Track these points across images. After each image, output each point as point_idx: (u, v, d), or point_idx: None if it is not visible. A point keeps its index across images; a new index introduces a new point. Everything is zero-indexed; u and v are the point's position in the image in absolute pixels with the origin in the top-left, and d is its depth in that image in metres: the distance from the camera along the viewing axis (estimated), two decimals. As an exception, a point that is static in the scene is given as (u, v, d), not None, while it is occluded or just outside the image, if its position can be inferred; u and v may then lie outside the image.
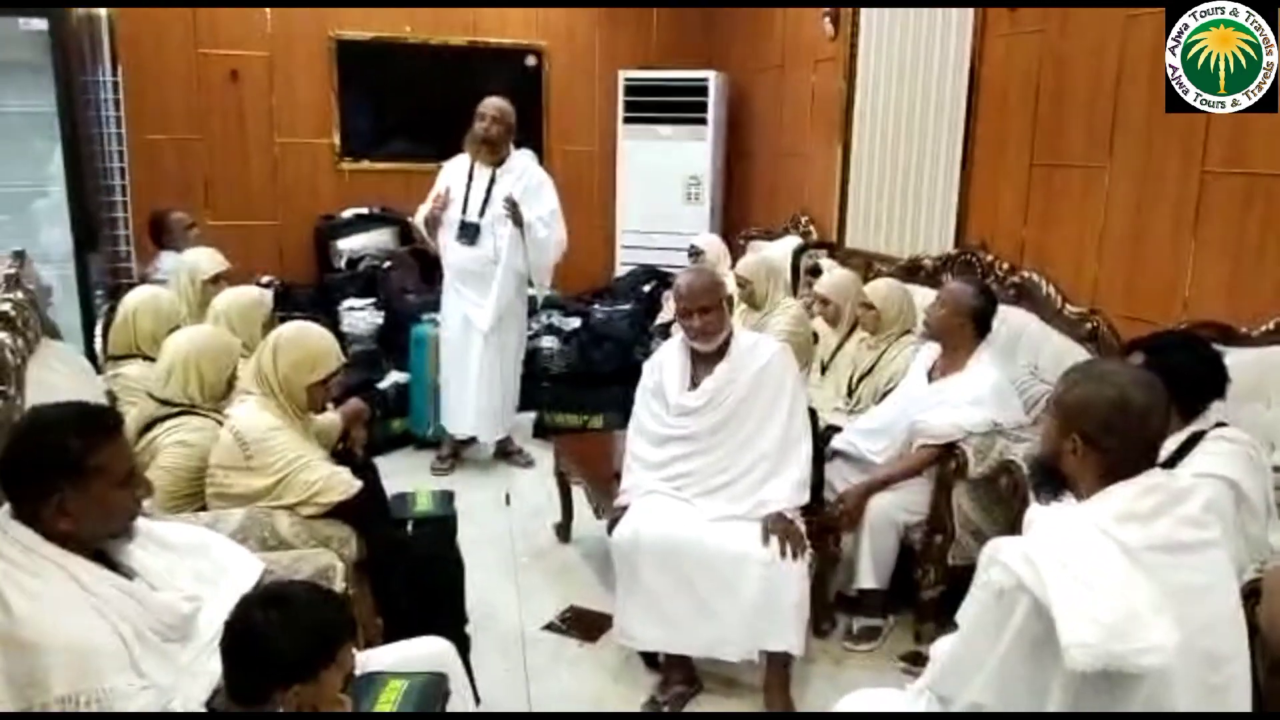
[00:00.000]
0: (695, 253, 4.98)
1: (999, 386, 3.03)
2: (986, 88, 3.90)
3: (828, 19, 5.04)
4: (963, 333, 3.13)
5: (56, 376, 2.66)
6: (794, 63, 5.62)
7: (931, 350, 3.28)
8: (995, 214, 3.88)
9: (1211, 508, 1.64)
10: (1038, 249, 3.66)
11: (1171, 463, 2.17)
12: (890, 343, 3.57)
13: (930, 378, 3.20)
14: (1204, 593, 1.53)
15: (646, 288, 5.86)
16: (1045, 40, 3.57)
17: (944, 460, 2.98)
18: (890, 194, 4.57)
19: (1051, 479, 1.74)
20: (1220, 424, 2.31)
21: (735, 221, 6.30)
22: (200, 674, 1.71)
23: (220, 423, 2.56)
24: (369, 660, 1.93)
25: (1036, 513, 1.75)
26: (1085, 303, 3.38)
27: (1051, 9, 3.52)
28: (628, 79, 6.25)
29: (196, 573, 1.90)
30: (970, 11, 3.91)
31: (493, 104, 4.35)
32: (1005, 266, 3.72)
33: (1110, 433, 1.61)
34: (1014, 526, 2.60)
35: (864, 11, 4.73)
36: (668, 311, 4.95)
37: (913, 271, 4.18)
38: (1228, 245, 2.90)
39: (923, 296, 3.63)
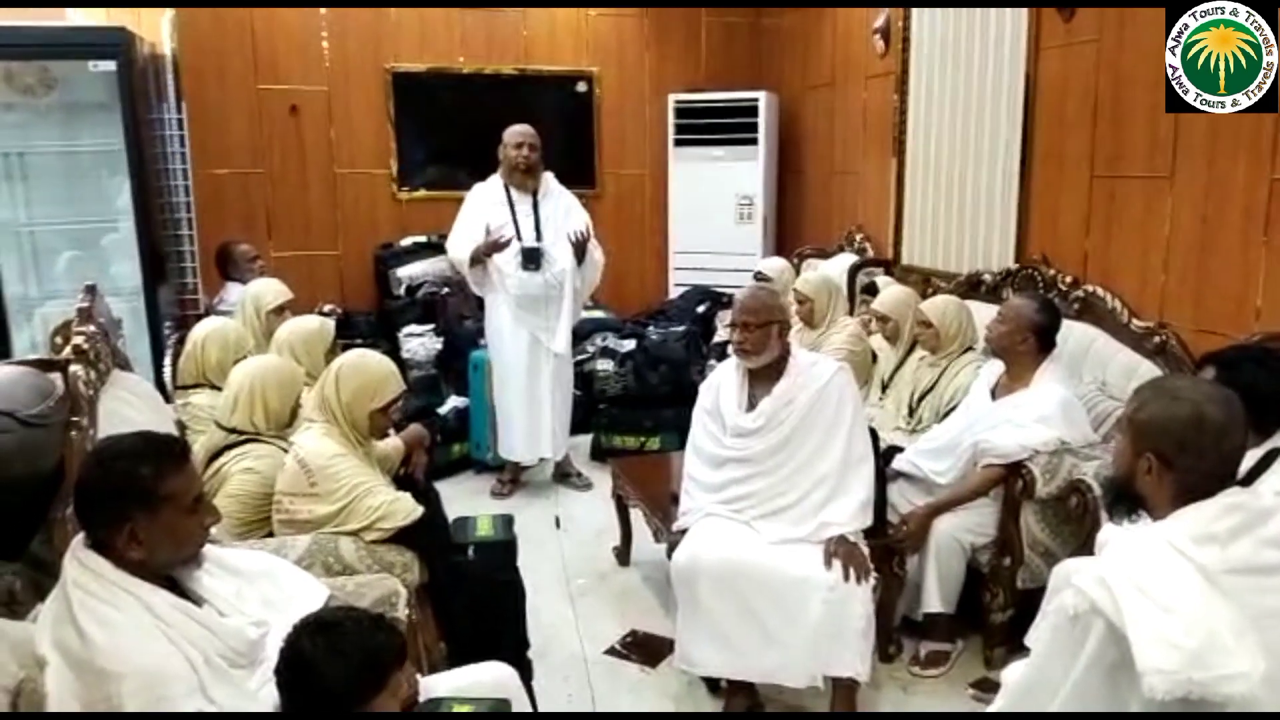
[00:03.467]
0: (761, 279, 4.95)
1: (1066, 403, 2.96)
2: (1043, 100, 3.84)
3: (878, 35, 5.02)
4: (1026, 349, 3.07)
5: (128, 408, 2.73)
6: (845, 80, 5.60)
7: (995, 367, 3.22)
8: (1056, 227, 3.81)
9: (1295, 527, 1.58)
10: (1101, 262, 3.58)
11: (1248, 481, 2.10)
12: (951, 360, 3.52)
13: (994, 395, 3.14)
14: (1290, 618, 1.47)
15: (700, 309, 5.86)
16: (1101, 50, 3.51)
17: (1010, 480, 2.92)
18: (947, 209, 4.52)
19: (1125, 499, 1.69)
20: (1298, 439, 2.23)
21: (789, 240, 6.28)
22: (268, 700, 1.73)
23: (285, 450, 2.61)
24: (433, 685, 1.93)
25: (1111, 533, 1.70)
26: (1152, 316, 3.29)
27: (1107, 19, 3.46)
28: (677, 102, 6.28)
29: (264, 598, 1.93)
30: (1024, 23, 3.86)
31: (523, 130, 4.39)
32: (1068, 280, 3.65)
33: (1185, 452, 1.56)
34: (1085, 547, 2.53)
35: (914, 26, 4.70)
36: (724, 332, 4.94)
37: (972, 287, 4.12)
38: (1301, 253, 2.82)
39: (984, 313, 3.57)
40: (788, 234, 6.38)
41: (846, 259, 5.20)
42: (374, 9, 5.91)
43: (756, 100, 6.06)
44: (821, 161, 6.01)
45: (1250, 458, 2.14)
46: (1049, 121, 3.82)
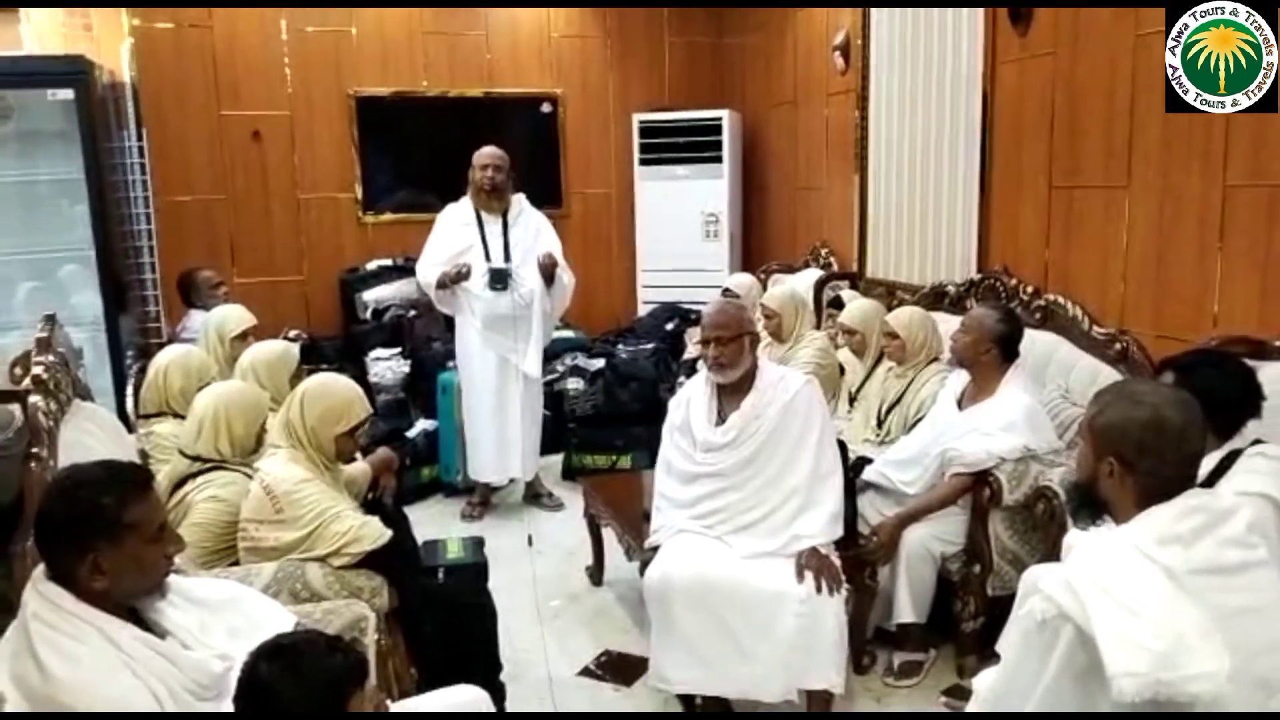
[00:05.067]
0: (729, 295, 4.97)
1: (1031, 411, 2.99)
2: (1001, 113, 3.90)
3: (838, 53, 5.08)
4: (989, 359, 3.10)
5: (89, 438, 2.69)
6: (806, 97, 5.66)
7: (961, 377, 3.25)
8: (1016, 238, 3.87)
9: (1256, 528, 1.60)
10: (1062, 271, 3.64)
11: (1209, 483, 2.13)
12: (917, 371, 3.54)
13: (960, 405, 3.16)
14: (1254, 615, 1.49)
15: (669, 326, 5.87)
16: (1057, 63, 3.58)
17: (978, 489, 2.94)
18: (910, 222, 4.57)
19: (1089, 503, 1.71)
20: (1257, 441, 2.26)
21: (755, 256, 6.32)
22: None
23: (250, 477, 2.57)
24: (404, 710, 1.91)
25: (1076, 538, 1.72)
26: (1113, 323, 3.35)
27: (1061, 32, 3.53)
28: (642, 121, 6.32)
29: (230, 628, 1.89)
30: (980, 37, 3.93)
31: (490, 152, 4.40)
32: (1030, 290, 3.70)
33: (1146, 454, 1.59)
34: (1052, 553, 2.55)
35: (874, 43, 4.76)
36: (693, 348, 4.95)
37: (937, 299, 4.16)
38: (1255, 259, 2.87)
39: (948, 324, 3.60)
40: (754, 250, 6.42)
41: (812, 274, 5.24)
42: (335, 31, 5.89)
43: (720, 119, 6.12)
44: (785, 178, 6.07)
45: (1210, 460, 2.17)
46: (1007, 134, 3.88)
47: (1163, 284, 3.21)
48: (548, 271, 4.37)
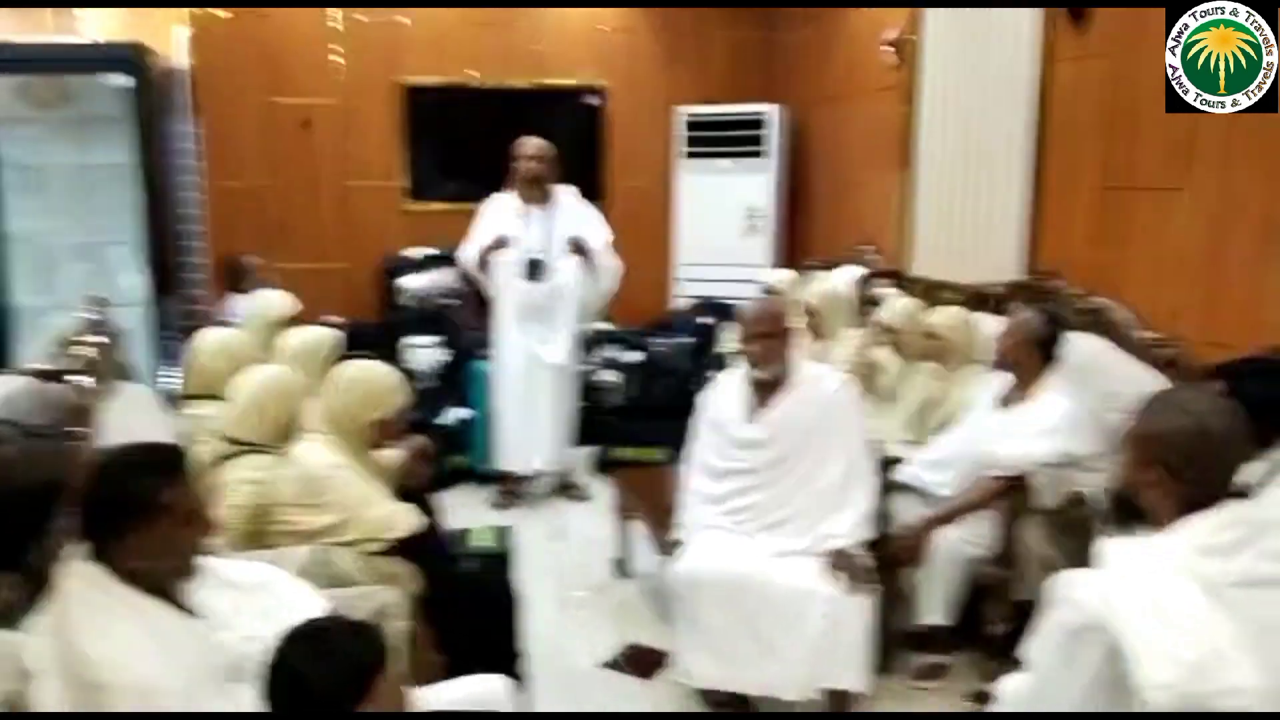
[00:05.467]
0: (769, 291, 4.94)
1: (1072, 415, 2.92)
2: (1054, 112, 3.82)
3: (890, 47, 5.01)
4: (1031, 362, 3.05)
5: (132, 419, 2.74)
6: (855, 93, 5.60)
7: (1002, 380, 3.20)
8: (1066, 239, 3.79)
9: (1298, 541, 1.56)
10: (1111, 274, 3.56)
11: (1251, 493, 2.07)
12: (957, 373, 3.49)
13: (1000, 407, 3.11)
14: (1291, 631, 1.45)
15: (705, 320, 5.84)
16: (1113, 63, 3.50)
17: (1013, 492, 2.89)
18: (956, 221, 4.50)
19: (1129, 511, 1.68)
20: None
21: (796, 253, 6.26)
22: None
23: (287, 460, 2.60)
24: (428, 697, 1.92)
25: (1111, 546, 1.68)
26: (1163, 329, 3.26)
27: (1120, 31, 3.45)
28: (689, 115, 6.29)
29: (262, 611, 1.92)
30: (1036, 35, 3.84)
31: (531, 143, 4.42)
32: (1078, 292, 3.62)
33: (1190, 464, 1.56)
34: (1084, 559, 2.51)
35: (926, 39, 4.69)
36: (730, 343, 4.93)
37: (981, 300, 4.09)
38: (1313, 267, 2.79)
39: (991, 325, 3.55)
40: (795, 246, 6.37)
41: (853, 271, 5.18)
42: (388, 22, 5.94)
43: (765, 114, 6.07)
44: (830, 174, 6.00)
45: (1257, 469, 2.12)
46: (1061, 134, 3.80)
47: (1215, 290, 3.12)
48: (579, 250, 4.37)
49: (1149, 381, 3.09)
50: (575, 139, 6.25)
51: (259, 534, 2.57)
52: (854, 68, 5.59)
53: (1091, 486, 2.72)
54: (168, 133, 4.76)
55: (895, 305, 4.04)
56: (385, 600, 2.25)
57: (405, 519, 2.51)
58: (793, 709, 2.71)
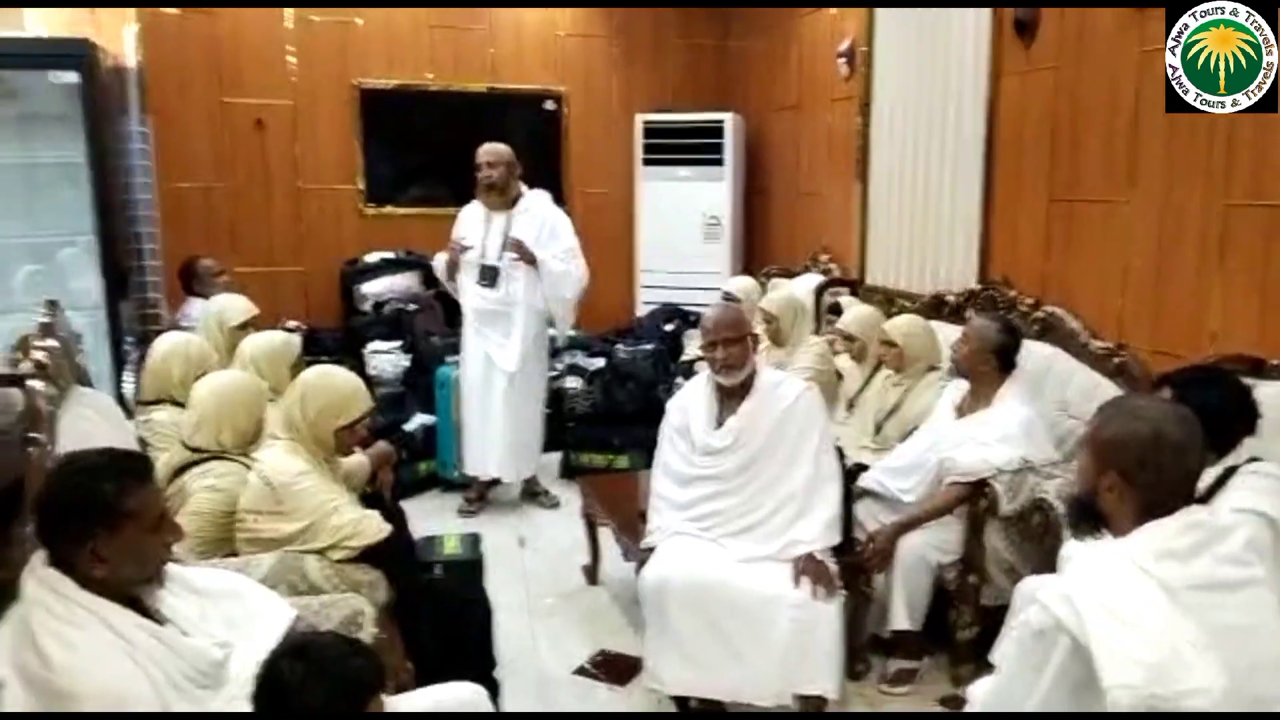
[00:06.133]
0: (729, 298, 4.97)
1: (1028, 422, 3.00)
2: (1003, 124, 3.91)
3: (842, 59, 5.09)
4: (988, 369, 3.12)
5: (88, 423, 2.68)
6: (809, 103, 5.67)
7: (959, 387, 3.26)
8: (1017, 249, 3.88)
9: (1252, 546, 1.61)
10: (1061, 284, 3.65)
11: (1206, 499, 2.14)
12: (915, 380, 3.56)
13: (958, 414, 3.18)
14: (1248, 633, 1.50)
15: (669, 326, 5.88)
16: (1060, 76, 3.59)
17: (974, 498, 2.95)
18: (911, 230, 4.58)
19: (1088, 516, 1.72)
20: (1254, 458, 2.28)
21: (755, 260, 6.33)
22: (232, 720, 1.71)
23: (249, 467, 2.57)
24: (399, 705, 1.91)
25: (1073, 550, 1.73)
26: (1111, 337, 3.36)
27: (1065, 46, 3.54)
28: (645, 122, 6.32)
29: (228, 618, 1.90)
30: (985, 49, 3.93)
31: (487, 149, 4.40)
32: (1029, 302, 3.71)
33: (1145, 469, 1.59)
34: (1048, 564, 2.56)
35: (878, 50, 4.77)
36: (692, 349, 4.96)
37: (936, 308, 4.17)
38: (1254, 277, 2.89)
39: (947, 333, 3.62)
40: (754, 253, 6.43)
41: (812, 279, 5.25)
42: (339, 22, 5.88)
43: (722, 122, 6.12)
44: (787, 182, 6.07)
45: (1208, 476, 2.19)
46: (1010, 146, 3.89)
47: (1162, 299, 3.22)
48: (521, 255, 4.33)
49: (1101, 389, 3.18)
50: (534, 145, 6.25)
51: (222, 541, 2.53)
52: (808, 78, 5.67)
53: (1051, 492, 2.78)
54: (118, 132, 4.66)
55: (853, 313, 4.09)
56: (353, 608, 2.23)
57: (371, 526, 2.49)
58: (767, 713, 2.73)
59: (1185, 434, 1.61)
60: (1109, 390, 3.11)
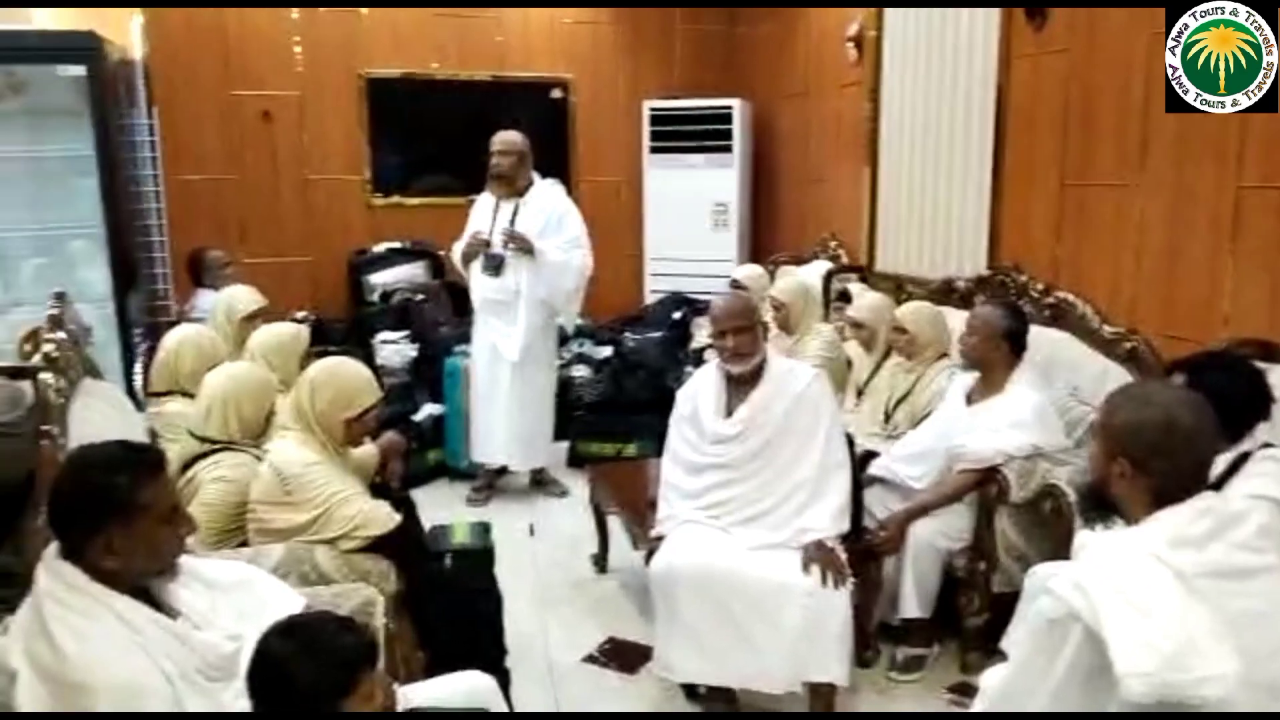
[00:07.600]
0: (737, 286, 4.95)
1: (1040, 409, 2.98)
2: (1014, 108, 3.88)
3: (851, 44, 5.06)
4: (998, 355, 3.10)
5: (98, 415, 2.70)
6: (818, 89, 5.64)
7: (970, 373, 3.25)
8: (1027, 234, 3.86)
9: (1266, 532, 1.60)
10: (1072, 269, 3.63)
11: (1219, 485, 2.13)
12: (926, 366, 3.54)
13: (969, 401, 3.16)
14: (1262, 620, 1.50)
15: (677, 314, 5.86)
16: (1071, 60, 3.56)
17: (985, 485, 2.94)
18: (920, 216, 4.56)
19: (1100, 504, 1.71)
20: (1267, 444, 2.26)
21: (763, 247, 6.31)
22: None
23: (259, 458, 2.58)
24: (411, 695, 1.92)
25: (1087, 538, 1.72)
26: (1123, 322, 3.34)
27: (1077, 29, 3.51)
28: (652, 109, 6.30)
29: (239, 610, 1.90)
30: (995, 33, 3.90)
31: (499, 138, 4.40)
32: (1040, 287, 3.69)
33: (1158, 456, 1.59)
34: (1058, 551, 2.56)
35: (887, 35, 4.74)
36: (700, 337, 4.95)
37: (946, 293, 4.15)
38: (1266, 261, 2.87)
39: (957, 319, 3.60)
40: (762, 241, 6.41)
41: (821, 265, 5.23)
42: (345, 12, 5.87)
43: (730, 108, 6.09)
44: (795, 169, 6.05)
45: (1220, 462, 2.17)
46: (1020, 130, 3.86)
47: (1173, 284, 3.20)
48: (518, 245, 4.33)
49: (1112, 374, 3.16)
50: (541, 133, 6.21)
51: (233, 532, 2.54)
52: (816, 63, 5.63)
53: (1063, 479, 2.77)
54: (125, 124, 4.67)
55: (863, 300, 4.08)
56: (365, 598, 2.24)
57: (381, 516, 2.49)
58: (778, 705, 2.74)
59: (1197, 420, 1.60)
60: (1120, 376, 3.09)
